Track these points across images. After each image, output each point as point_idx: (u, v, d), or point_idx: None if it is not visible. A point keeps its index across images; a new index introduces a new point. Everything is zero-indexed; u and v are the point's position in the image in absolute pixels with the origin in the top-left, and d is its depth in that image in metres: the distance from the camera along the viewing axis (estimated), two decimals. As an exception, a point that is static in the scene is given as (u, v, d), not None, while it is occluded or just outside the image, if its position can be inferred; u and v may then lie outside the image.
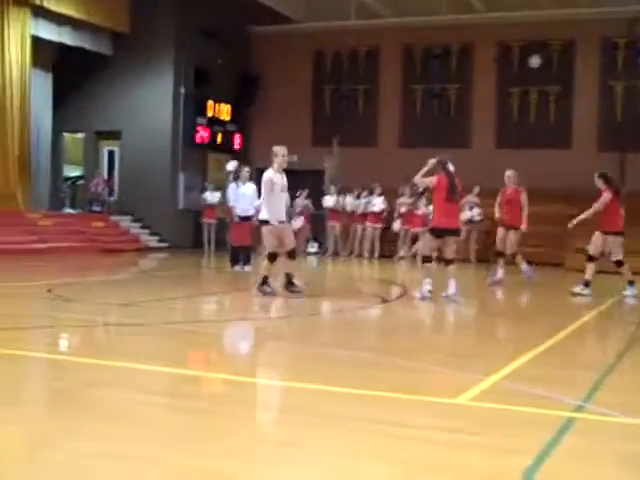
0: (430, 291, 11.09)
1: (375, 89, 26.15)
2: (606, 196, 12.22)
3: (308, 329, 8.95)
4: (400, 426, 4.41)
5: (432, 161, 11.31)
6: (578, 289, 12.34)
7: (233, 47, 25.99)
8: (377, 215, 22.91)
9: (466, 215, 20.55)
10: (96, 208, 24.40)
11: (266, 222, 11.15)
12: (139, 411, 4.63)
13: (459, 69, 25.23)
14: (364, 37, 25.87)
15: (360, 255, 22.96)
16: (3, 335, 7.19)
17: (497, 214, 14.45)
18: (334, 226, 23.59)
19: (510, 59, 24.67)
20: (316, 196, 23.59)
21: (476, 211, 21.48)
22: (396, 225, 22.53)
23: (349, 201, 23.55)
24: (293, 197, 23.11)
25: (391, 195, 22.80)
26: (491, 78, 24.80)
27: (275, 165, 11.19)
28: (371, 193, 23.15)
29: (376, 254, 22.62)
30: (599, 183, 12.44)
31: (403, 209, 22.31)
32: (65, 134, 26.57)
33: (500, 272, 13.97)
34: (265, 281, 11.16)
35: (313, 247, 23.66)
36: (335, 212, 23.48)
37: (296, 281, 11.40)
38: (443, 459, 3.88)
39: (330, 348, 7.21)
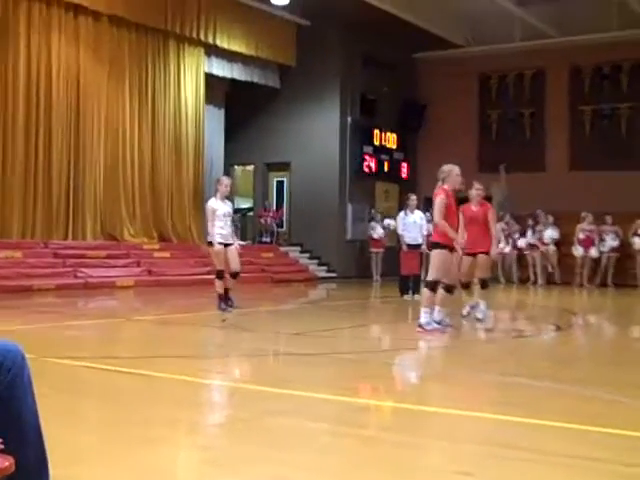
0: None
1: (541, 112, 25.67)
2: None
3: (478, 357, 8.84)
4: (579, 458, 4.29)
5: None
6: None
7: (398, 74, 26.15)
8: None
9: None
10: (266, 239, 24.97)
11: (211, 244, 12.28)
12: (312, 438, 4.71)
13: (631, 87, 24.43)
14: (529, 59, 25.45)
15: (535, 282, 22.74)
16: (184, 363, 7.46)
17: None
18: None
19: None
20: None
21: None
22: (578, 250, 22.16)
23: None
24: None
25: (563, 220, 22.43)
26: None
27: (218, 194, 12.40)
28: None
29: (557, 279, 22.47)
30: None
31: (582, 235, 22.03)
32: (236, 167, 27.37)
33: None
34: (221, 298, 12.31)
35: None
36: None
37: (232, 297, 12.42)
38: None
39: (501, 376, 7.11)
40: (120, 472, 3.93)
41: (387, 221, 23.71)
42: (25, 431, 2.33)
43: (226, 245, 12.31)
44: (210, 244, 12.42)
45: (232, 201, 24.70)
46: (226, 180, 12.78)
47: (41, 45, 18.76)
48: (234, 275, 12.50)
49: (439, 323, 10.12)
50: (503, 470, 4.09)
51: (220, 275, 12.33)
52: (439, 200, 9.93)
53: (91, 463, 4.07)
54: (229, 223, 12.47)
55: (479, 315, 11.34)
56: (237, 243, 12.78)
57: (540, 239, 22.70)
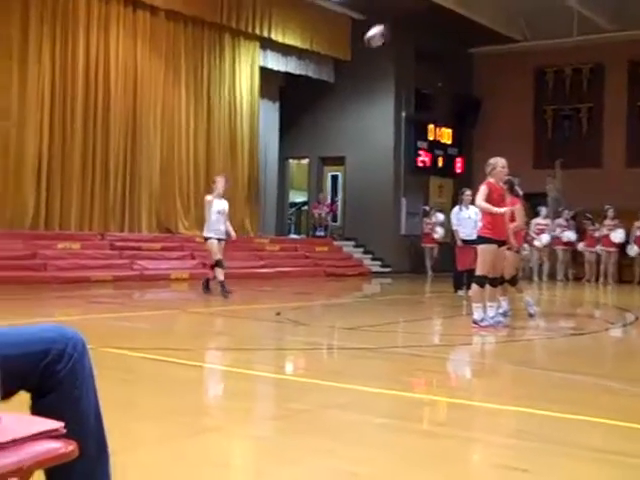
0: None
1: (599, 107, 25.34)
2: None
3: (531, 353, 8.78)
4: (630, 456, 4.22)
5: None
6: None
7: (453, 69, 25.98)
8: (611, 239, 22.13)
9: None
10: (320, 233, 25.00)
11: (207, 238, 13.54)
12: (367, 432, 4.70)
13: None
14: (587, 54, 25.13)
15: (589, 280, 22.41)
16: (239, 356, 7.51)
17: None
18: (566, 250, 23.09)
19: None
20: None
21: None
22: (633, 250, 21.78)
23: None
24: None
25: (619, 217, 22.07)
26: None
27: (214, 192, 13.50)
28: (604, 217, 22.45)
29: (610, 279, 22.02)
30: None
31: (639, 232, 21.67)
32: (290, 160, 27.44)
33: None
34: (222, 285, 13.49)
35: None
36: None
37: (226, 286, 13.49)
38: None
39: (554, 372, 7.04)
40: (175, 459, 3.96)
41: (437, 215, 23.60)
42: (86, 418, 2.36)
43: (219, 240, 13.49)
44: (207, 238, 13.62)
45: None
46: (221, 181, 13.75)
47: (100, 40, 19.03)
48: (219, 264, 13.58)
49: (493, 318, 10.07)
50: (557, 467, 4.04)
51: (219, 264, 13.48)
52: (481, 188, 9.87)
53: (147, 451, 4.11)
54: (222, 219, 13.44)
55: (531, 311, 11.23)
56: (232, 233, 13.77)
57: (606, 237, 22.10)
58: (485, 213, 9.97)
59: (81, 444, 2.12)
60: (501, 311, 10.70)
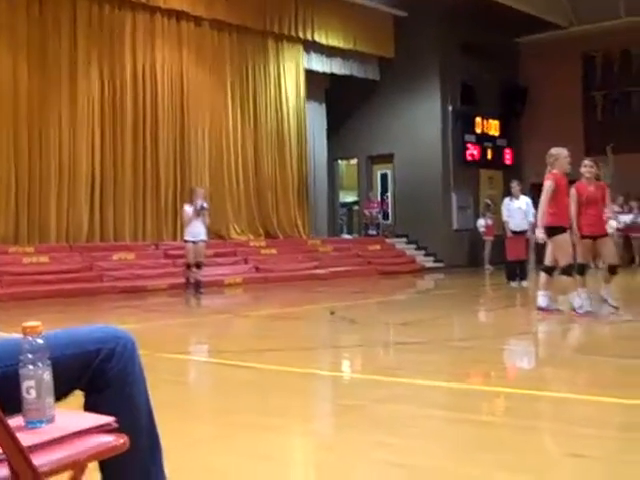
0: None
1: (650, 90, 24.94)
2: None
3: (592, 340, 8.70)
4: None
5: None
6: None
7: (498, 60, 25.74)
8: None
9: None
10: (372, 232, 24.99)
11: (185, 241, 15.40)
12: (422, 424, 4.71)
13: None
14: (636, 35, 24.71)
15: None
16: (292, 355, 7.55)
17: None
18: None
19: None
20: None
21: None
22: None
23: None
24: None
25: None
26: None
27: (194, 203, 15.09)
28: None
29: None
30: None
31: None
32: (339, 161, 27.47)
33: None
34: (187, 286, 15.61)
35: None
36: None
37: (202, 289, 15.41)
38: None
39: (616, 358, 6.97)
40: (235, 458, 4.00)
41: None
42: (137, 414, 2.41)
43: (195, 242, 15.18)
44: (186, 241, 15.35)
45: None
46: (200, 191, 15.60)
47: (146, 53, 19.27)
48: (198, 265, 15.37)
49: (550, 306, 10.06)
50: (621, 453, 4.00)
51: (189, 266, 15.44)
52: (546, 185, 9.78)
53: (206, 450, 4.16)
54: (198, 224, 15.09)
55: (609, 300, 10.91)
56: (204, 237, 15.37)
57: None
58: (548, 201, 9.82)
59: (133, 440, 2.17)
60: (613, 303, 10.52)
